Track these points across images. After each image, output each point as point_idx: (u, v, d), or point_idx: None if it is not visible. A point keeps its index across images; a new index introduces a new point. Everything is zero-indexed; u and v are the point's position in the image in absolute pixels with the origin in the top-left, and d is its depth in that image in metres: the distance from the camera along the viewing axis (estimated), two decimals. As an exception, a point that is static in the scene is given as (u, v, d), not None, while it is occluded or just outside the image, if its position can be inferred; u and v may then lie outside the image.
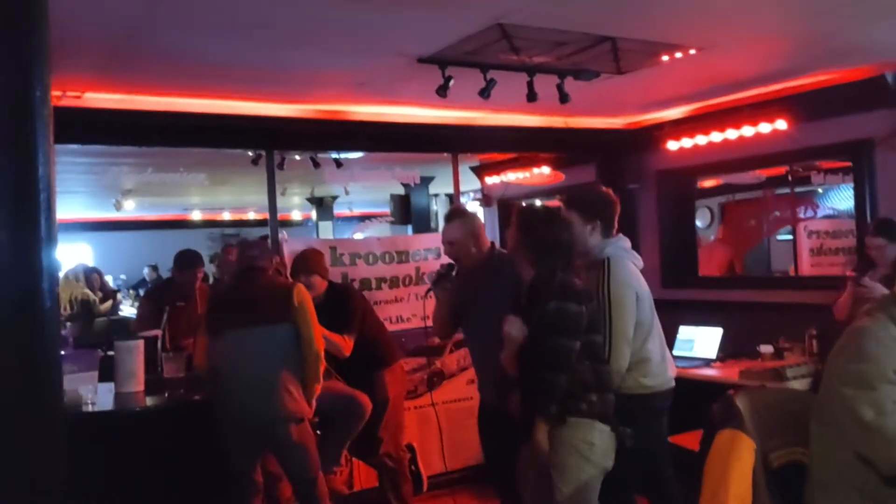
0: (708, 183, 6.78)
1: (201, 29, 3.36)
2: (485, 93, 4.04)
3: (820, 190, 6.83)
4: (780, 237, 7.17)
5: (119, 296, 9.96)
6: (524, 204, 5.71)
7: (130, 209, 9.76)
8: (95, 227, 12.77)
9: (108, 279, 10.48)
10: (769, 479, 2.30)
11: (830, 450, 2.18)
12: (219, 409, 3.78)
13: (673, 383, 3.66)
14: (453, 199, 6.51)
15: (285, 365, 3.79)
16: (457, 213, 3.89)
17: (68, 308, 7.60)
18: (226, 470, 3.77)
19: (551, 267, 3.12)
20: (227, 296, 4.12)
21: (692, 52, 3.99)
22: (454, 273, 3.77)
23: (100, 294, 8.88)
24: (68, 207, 10.95)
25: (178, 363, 3.91)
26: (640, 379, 3.46)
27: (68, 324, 6.03)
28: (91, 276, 8.52)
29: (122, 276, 12.49)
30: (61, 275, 8.94)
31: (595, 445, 3.09)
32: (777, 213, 5.94)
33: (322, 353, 3.88)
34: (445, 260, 3.88)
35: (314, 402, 3.88)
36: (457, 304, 3.79)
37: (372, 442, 4.52)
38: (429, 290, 3.89)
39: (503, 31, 3.48)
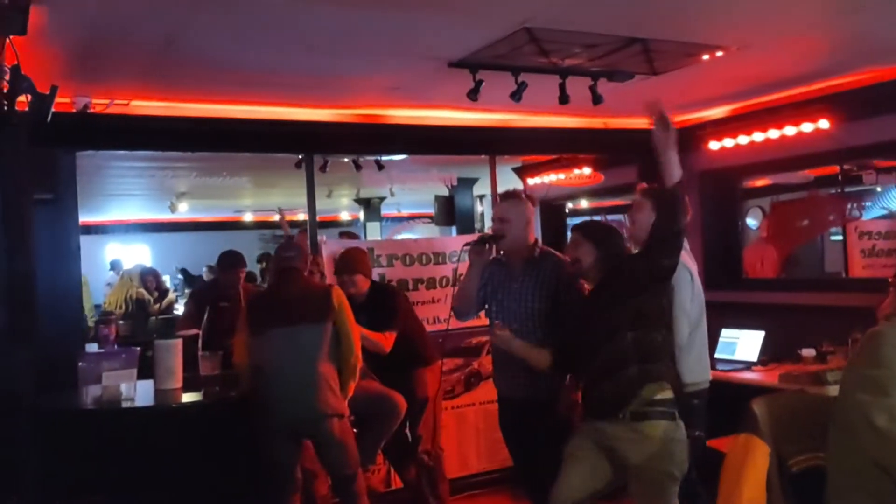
0: (759, 182, 6.67)
1: (237, 38, 3.45)
2: (516, 96, 4.06)
3: (879, 188, 6.64)
4: (834, 237, 6.99)
5: (174, 295, 10.24)
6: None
7: (184, 211, 10.05)
8: (153, 227, 13.15)
9: (166, 279, 10.79)
10: (787, 484, 2.28)
11: (846, 455, 2.15)
12: (261, 405, 3.87)
13: (708, 384, 3.67)
14: (494, 200, 6.52)
15: (326, 363, 3.89)
16: (514, 193, 3.98)
17: (123, 307, 7.84)
18: (263, 466, 3.87)
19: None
20: (267, 296, 4.23)
21: (724, 52, 3.95)
22: (493, 245, 3.82)
23: (156, 294, 9.15)
24: (126, 209, 11.33)
25: (214, 361, 4.04)
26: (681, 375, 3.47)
27: (121, 322, 6.26)
28: (146, 278, 8.78)
29: (180, 276, 12.82)
30: (118, 275, 9.26)
31: (683, 462, 3.14)
32: (821, 213, 5.81)
33: (360, 354, 3.96)
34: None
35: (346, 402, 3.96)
36: (486, 287, 3.81)
37: (406, 441, 4.58)
38: (466, 246, 3.92)
39: (530, 35, 3.50)
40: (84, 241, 4.54)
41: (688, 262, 3.63)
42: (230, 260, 5.13)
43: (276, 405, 3.84)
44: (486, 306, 3.91)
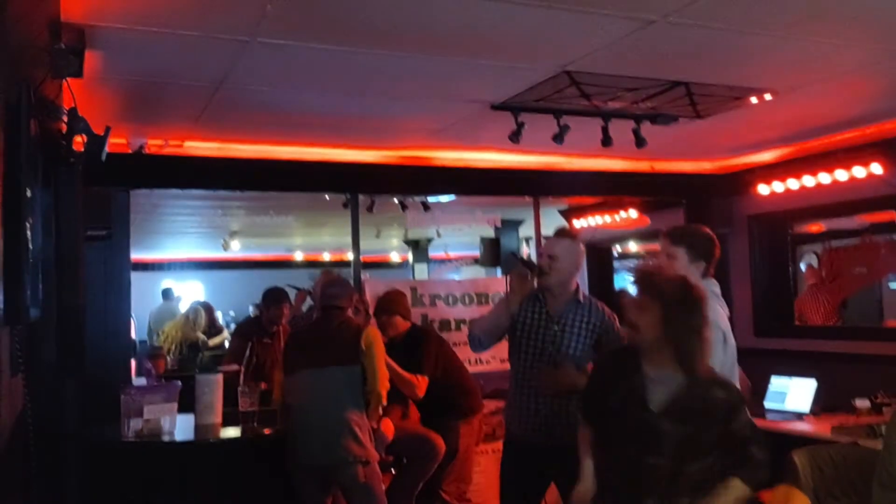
0: (814, 228, 6.54)
1: (285, 82, 3.55)
2: (558, 138, 4.07)
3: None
4: (893, 285, 6.78)
5: (227, 333, 10.35)
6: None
7: (237, 249, 10.26)
8: (206, 265, 13.43)
9: (219, 315, 10.94)
10: (829, 539, 2.20)
11: (890, 512, 2.06)
12: (290, 445, 3.87)
13: None
14: (538, 242, 6.50)
15: (354, 406, 3.83)
16: (568, 232, 3.79)
17: (176, 350, 7.90)
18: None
19: None
20: (304, 334, 4.26)
21: (772, 96, 3.91)
22: (535, 277, 3.56)
23: (209, 329, 9.25)
24: (181, 247, 11.61)
25: (253, 397, 4.07)
26: None
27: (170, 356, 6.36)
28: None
29: (231, 313, 13.02)
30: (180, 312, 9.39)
31: None
32: (876, 260, 5.64)
33: (384, 396, 3.92)
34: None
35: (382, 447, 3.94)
36: (518, 325, 3.57)
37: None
38: (511, 256, 3.77)
39: (571, 78, 3.52)
40: (140, 277, 4.64)
41: (721, 318, 3.14)
42: (274, 296, 5.21)
43: (300, 446, 3.82)
44: (514, 345, 3.63)
